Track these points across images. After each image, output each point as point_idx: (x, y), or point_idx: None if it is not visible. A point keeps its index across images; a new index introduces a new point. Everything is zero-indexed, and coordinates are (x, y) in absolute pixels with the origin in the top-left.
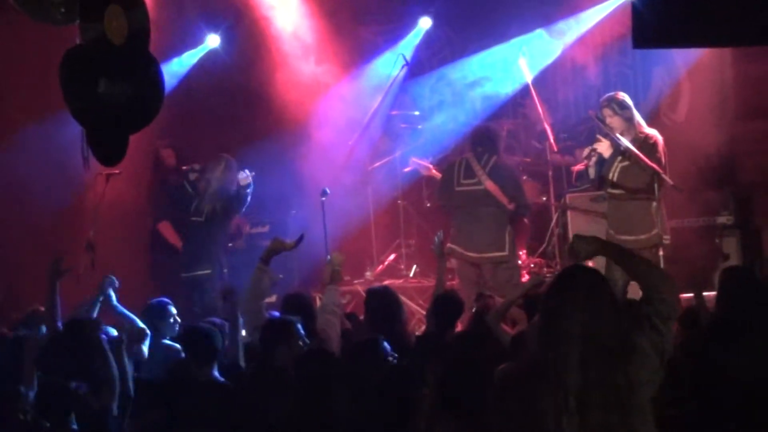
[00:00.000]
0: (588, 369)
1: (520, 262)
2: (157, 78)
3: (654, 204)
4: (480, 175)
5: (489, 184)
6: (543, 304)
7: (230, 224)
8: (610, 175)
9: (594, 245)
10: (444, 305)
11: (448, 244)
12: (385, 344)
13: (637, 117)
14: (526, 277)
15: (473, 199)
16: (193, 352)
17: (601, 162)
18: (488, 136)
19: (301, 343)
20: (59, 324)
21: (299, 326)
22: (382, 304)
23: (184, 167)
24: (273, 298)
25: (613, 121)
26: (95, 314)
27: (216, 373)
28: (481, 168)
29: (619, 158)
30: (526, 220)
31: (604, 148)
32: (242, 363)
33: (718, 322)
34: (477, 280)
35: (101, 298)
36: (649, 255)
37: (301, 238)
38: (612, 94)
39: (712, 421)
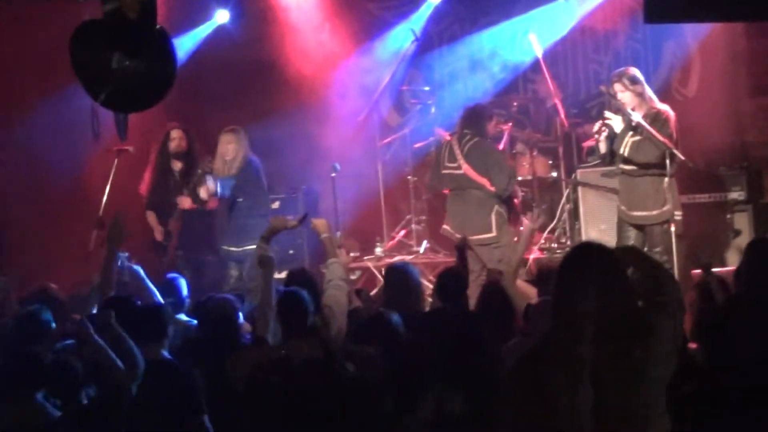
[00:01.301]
0: (601, 344)
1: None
2: (170, 53)
3: (666, 180)
4: (459, 158)
5: (465, 168)
6: (556, 279)
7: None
8: (622, 150)
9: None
10: (446, 282)
11: (443, 225)
12: (394, 318)
13: (649, 92)
14: (533, 255)
15: (457, 182)
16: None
17: (612, 137)
18: (471, 116)
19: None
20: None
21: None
22: (401, 281)
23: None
24: (283, 275)
25: (624, 96)
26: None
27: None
28: (460, 151)
29: (631, 133)
30: (515, 200)
31: (615, 123)
32: (270, 338)
33: (741, 297)
34: (476, 258)
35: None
36: (660, 231)
37: (304, 217)
38: (623, 69)
39: (726, 399)
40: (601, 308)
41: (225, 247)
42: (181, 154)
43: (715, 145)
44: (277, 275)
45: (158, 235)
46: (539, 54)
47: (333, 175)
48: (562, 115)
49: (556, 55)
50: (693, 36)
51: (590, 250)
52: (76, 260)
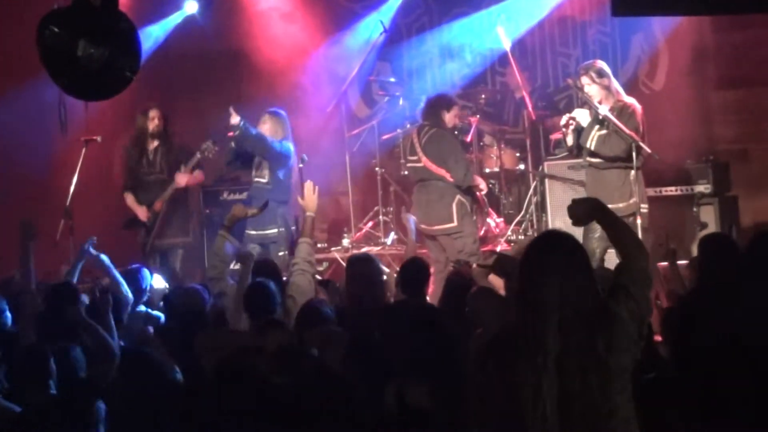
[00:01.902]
0: (566, 334)
1: (497, 230)
2: (134, 42)
3: (632, 172)
4: (418, 150)
5: (424, 160)
6: (520, 269)
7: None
8: (588, 143)
9: (591, 209)
10: (408, 272)
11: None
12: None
13: (616, 85)
14: (500, 247)
15: (419, 174)
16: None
17: (579, 130)
18: (429, 107)
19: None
20: (33, 287)
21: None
22: (363, 272)
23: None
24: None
25: (591, 89)
26: (75, 278)
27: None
28: (419, 143)
29: (597, 126)
30: (477, 192)
31: (582, 116)
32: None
33: (698, 290)
34: (441, 248)
35: (82, 261)
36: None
37: (265, 205)
38: (590, 62)
39: (691, 386)
40: (565, 297)
41: (247, 231)
42: (157, 133)
43: (681, 138)
44: (234, 266)
45: (142, 214)
46: (507, 47)
47: (300, 165)
48: (530, 108)
49: (524, 47)
50: (661, 29)
51: (554, 239)
52: (43, 250)
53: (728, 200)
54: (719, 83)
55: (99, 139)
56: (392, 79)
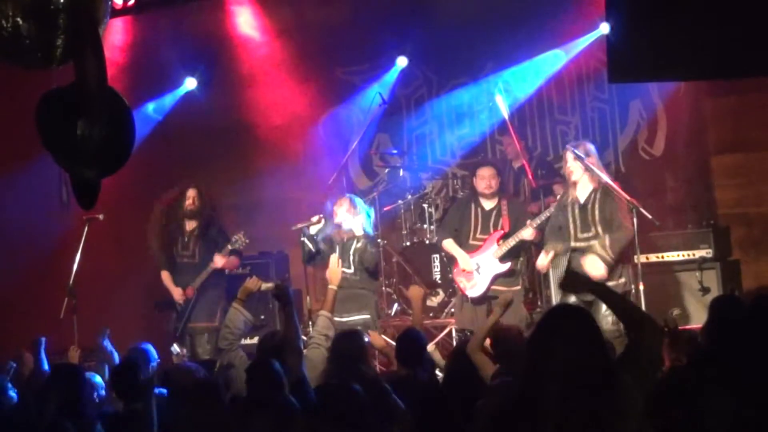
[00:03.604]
0: (569, 404)
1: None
2: (128, 120)
3: None
4: None
5: None
6: (531, 341)
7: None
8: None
9: (586, 284)
10: (402, 344)
11: None
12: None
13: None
14: None
15: None
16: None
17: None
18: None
19: None
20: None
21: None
22: (347, 346)
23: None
24: (254, 340)
25: (575, 165)
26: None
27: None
28: None
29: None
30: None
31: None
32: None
33: (708, 354)
34: None
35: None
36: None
37: (283, 281)
38: (579, 142)
39: None
40: (572, 368)
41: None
42: (194, 213)
43: (682, 203)
44: (249, 341)
45: (178, 296)
46: (506, 115)
47: (303, 239)
48: (530, 176)
49: (523, 115)
50: (659, 95)
51: (566, 313)
52: (48, 329)
53: (730, 265)
54: (718, 147)
55: (101, 217)
56: (394, 151)
